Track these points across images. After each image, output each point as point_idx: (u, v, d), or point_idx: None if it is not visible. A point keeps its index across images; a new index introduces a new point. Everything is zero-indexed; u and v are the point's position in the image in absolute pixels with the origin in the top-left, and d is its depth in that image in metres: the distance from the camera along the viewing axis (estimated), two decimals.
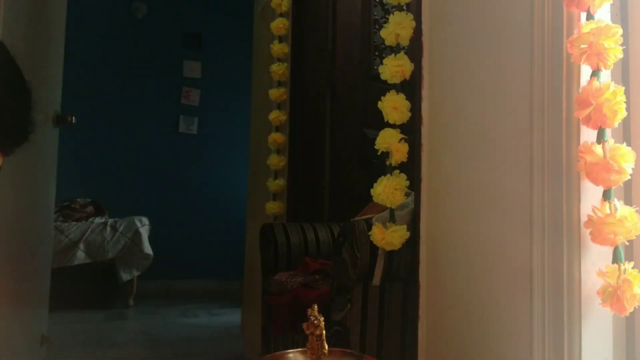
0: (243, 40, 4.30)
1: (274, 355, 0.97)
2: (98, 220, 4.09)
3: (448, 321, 1.27)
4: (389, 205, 1.49)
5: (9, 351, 1.84)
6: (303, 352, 0.91)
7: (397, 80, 1.51)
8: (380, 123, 1.54)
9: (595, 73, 0.87)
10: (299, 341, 1.64)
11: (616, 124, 0.86)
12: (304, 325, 0.83)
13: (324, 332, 0.82)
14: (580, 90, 0.88)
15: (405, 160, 1.50)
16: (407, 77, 1.50)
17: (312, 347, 0.86)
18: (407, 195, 1.54)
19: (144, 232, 3.98)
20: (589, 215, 0.86)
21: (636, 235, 0.84)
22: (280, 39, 2.64)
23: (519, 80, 1.04)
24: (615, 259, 0.85)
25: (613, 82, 0.86)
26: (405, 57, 1.50)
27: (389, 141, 1.50)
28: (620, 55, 0.87)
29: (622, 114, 0.85)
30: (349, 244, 1.51)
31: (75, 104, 3.51)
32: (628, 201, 0.96)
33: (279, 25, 2.62)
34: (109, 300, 4.04)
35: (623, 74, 0.97)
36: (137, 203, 4.58)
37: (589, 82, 0.87)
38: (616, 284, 0.82)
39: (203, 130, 5.02)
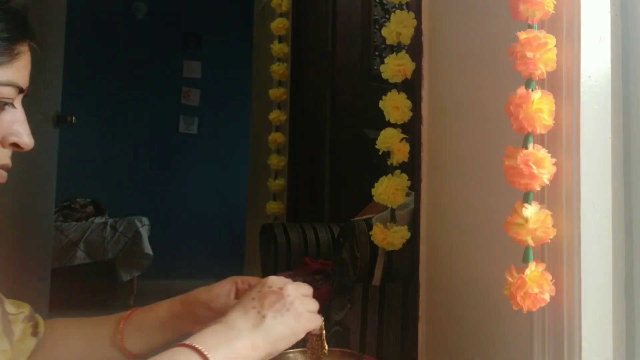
0: (243, 40, 4.30)
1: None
2: (98, 220, 4.09)
3: (448, 321, 1.27)
4: (390, 205, 1.49)
5: None
6: (303, 352, 0.91)
7: (398, 79, 1.51)
8: (380, 123, 1.54)
9: (527, 81, 0.89)
10: (299, 341, 1.63)
11: (540, 131, 0.88)
12: None
13: (324, 332, 0.82)
14: (508, 97, 0.91)
15: (406, 160, 1.51)
16: (409, 76, 1.50)
17: (312, 347, 0.86)
18: (407, 195, 1.54)
19: (144, 232, 3.98)
20: (508, 216, 0.90)
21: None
22: (280, 39, 2.64)
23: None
24: (524, 258, 0.88)
25: (540, 91, 0.88)
26: (407, 56, 1.50)
27: (390, 141, 1.50)
28: (553, 66, 0.89)
29: (547, 121, 0.87)
30: (349, 244, 1.51)
31: (75, 104, 3.52)
32: (628, 203, 0.96)
33: (279, 25, 2.62)
34: (109, 300, 4.04)
35: (623, 73, 0.97)
36: (137, 203, 4.58)
37: (517, 90, 0.89)
38: (513, 281, 0.86)
39: (203, 130, 5.02)
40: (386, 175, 1.50)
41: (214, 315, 0.78)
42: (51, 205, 2.56)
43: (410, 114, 1.50)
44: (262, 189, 2.75)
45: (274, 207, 2.57)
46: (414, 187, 1.45)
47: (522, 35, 0.89)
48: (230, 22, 4.98)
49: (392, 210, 1.49)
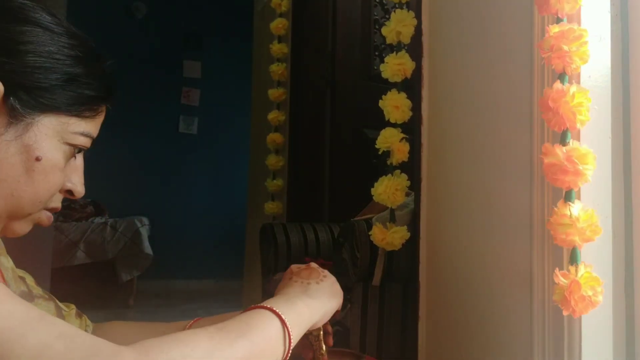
0: (243, 40, 4.30)
1: None
2: (98, 220, 4.09)
3: (448, 321, 1.27)
4: (389, 206, 1.49)
5: None
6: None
7: (398, 78, 1.51)
8: (380, 123, 1.54)
9: (561, 76, 0.87)
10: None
11: (579, 127, 0.86)
12: None
13: (321, 332, 0.82)
14: (543, 93, 0.89)
15: (406, 159, 1.50)
16: (409, 76, 1.50)
17: (312, 347, 0.86)
18: (407, 195, 1.54)
19: (144, 232, 3.98)
20: (550, 217, 0.86)
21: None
22: (280, 39, 2.64)
23: (519, 80, 1.04)
24: (572, 260, 0.85)
25: (577, 85, 0.86)
26: (407, 55, 1.50)
27: (390, 140, 1.50)
28: (587, 59, 0.87)
29: (585, 116, 0.85)
30: (349, 244, 1.51)
31: None
32: (628, 203, 0.96)
33: (279, 25, 2.62)
34: (109, 300, 4.04)
35: (623, 73, 0.97)
36: (137, 203, 4.58)
37: (553, 85, 0.87)
38: (566, 285, 0.82)
39: (203, 130, 5.02)
40: (386, 175, 1.50)
41: None
42: None
43: (410, 113, 1.50)
44: (262, 189, 2.75)
45: (272, 208, 2.57)
46: (414, 187, 1.45)
47: (555, 29, 0.86)
48: (230, 22, 4.98)
49: (392, 210, 1.49)
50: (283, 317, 0.64)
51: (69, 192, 0.68)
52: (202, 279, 4.74)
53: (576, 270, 0.83)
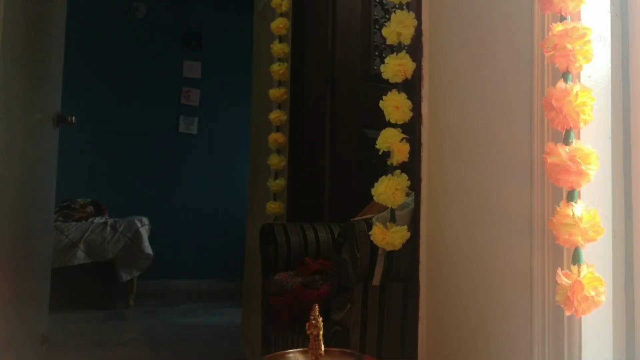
0: (243, 40, 4.30)
1: (274, 355, 0.97)
2: (98, 220, 4.09)
3: (448, 321, 1.27)
4: (389, 205, 1.49)
5: (9, 351, 1.84)
6: (303, 352, 0.91)
7: (398, 79, 1.51)
8: (380, 123, 1.54)
9: (564, 75, 0.87)
10: (299, 341, 1.64)
11: (583, 126, 0.85)
12: (307, 325, 0.83)
13: (321, 332, 0.82)
14: (546, 92, 0.88)
15: (406, 160, 1.50)
16: (409, 76, 1.50)
17: (313, 347, 0.86)
18: (407, 195, 1.54)
19: (144, 232, 3.98)
20: (552, 217, 0.86)
21: None
22: (281, 39, 2.64)
23: (519, 80, 1.04)
24: (574, 260, 0.85)
25: (580, 84, 0.85)
26: (407, 56, 1.50)
27: (390, 141, 1.50)
28: (591, 58, 0.86)
29: (589, 116, 0.84)
30: (349, 244, 1.51)
31: (75, 104, 3.51)
32: (628, 203, 0.96)
33: (279, 25, 2.62)
34: (109, 300, 4.05)
35: (623, 73, 0.97)
36: (137, 203, 4.58)
37: (557, 84, 0.87)
38: (569, 285, 0.82)
39: (203, 130, 5.02)
40: (386, 175, 1.50)
41: None
42: (51, 205, 2.56)
43: (411, 114, 1.50)
44: (262, 189, 2.76)
45: (274, 207, 2.57)
46: (414, 187, 1.45)
47: (558, 27, 0.85)
48: (230, 22, 4.98)
49: (392, 210, 1.49)
50: None
51: None
52: (202, 279, 4.74)
53: (579, 271, 0.83)
